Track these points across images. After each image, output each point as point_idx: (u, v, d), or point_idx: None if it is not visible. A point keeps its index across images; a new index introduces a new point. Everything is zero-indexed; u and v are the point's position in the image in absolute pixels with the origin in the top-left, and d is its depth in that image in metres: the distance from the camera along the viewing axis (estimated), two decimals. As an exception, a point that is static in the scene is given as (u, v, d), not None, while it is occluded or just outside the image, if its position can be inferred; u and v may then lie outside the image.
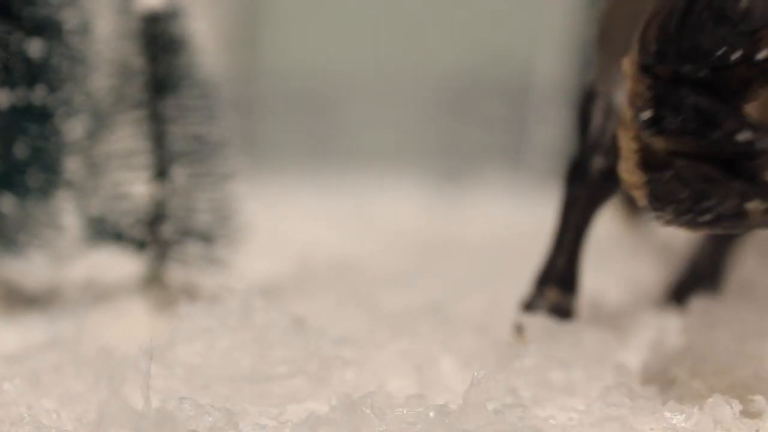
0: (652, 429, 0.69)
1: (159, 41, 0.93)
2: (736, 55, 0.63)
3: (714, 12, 0.64)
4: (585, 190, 0.88)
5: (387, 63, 2.63)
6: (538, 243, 1.04)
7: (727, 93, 0.64)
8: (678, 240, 1.40)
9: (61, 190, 0.98)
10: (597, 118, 0.86)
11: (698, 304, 0.91)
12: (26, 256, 0.99)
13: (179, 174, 0.94)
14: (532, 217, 1.70)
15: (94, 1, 0.99)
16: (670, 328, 0.89)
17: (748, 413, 0.69)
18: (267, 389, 0.75)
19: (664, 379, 0.77)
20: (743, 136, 0.63)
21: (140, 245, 0.95)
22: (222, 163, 0.96)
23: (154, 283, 0.95)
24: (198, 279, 0.96)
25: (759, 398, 0.70)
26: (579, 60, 1.74)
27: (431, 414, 0.66)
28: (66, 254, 1.00)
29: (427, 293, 1.03)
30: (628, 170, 0.70)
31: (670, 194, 0.67)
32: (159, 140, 0.94)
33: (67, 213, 0.99)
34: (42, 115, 0.97)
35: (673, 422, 0.69)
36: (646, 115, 0.66)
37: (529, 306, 0.88)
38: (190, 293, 0.94)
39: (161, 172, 0.94)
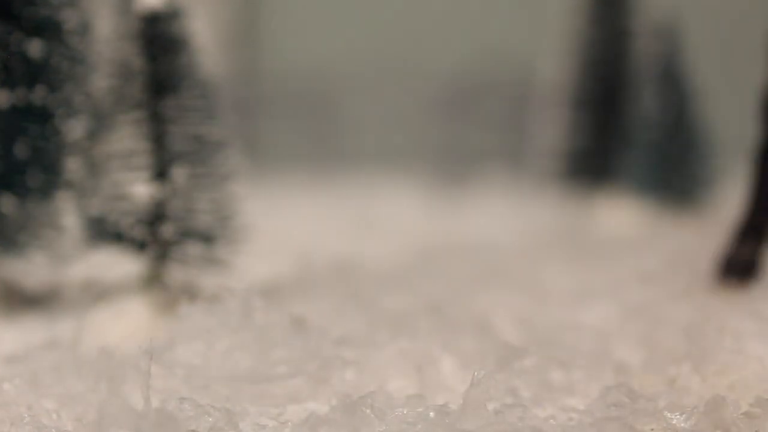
0: (652, 429, 0.68)
1: (159, 41, 0.93)
2: None
3: None
4: None
5: (387, 64, 2.63)
6: (539, 243, 1.04)
7: None
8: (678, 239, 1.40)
9: (61, 190, 0.98)
10: None
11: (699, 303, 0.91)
12: (26, 256, 0.99)
13: (179, 174, 0.94)
14: (532, 218, 1.70)
15: (94, 1, 0.99)
16: (672, 326, 0.89)
17: (748, 413, 0.69)
18: (267, 389, 0.75)
19: (664, 379, 0.77)
20: None
21: (140, 245, 0.95)
22: (222, 164, 0.96)
23: (154, 283, 0.95)
24: (198, 279, 0.96)
25: (759, 398, 0.70)
26: (579, 61, 1.74)
27: (431, 414, 0.66)
28: (66, 254, 1.00)
29: (427, 293, 1.03)
30: None
31: None
32: (159, 140, 0.94)
33: (67, 213, 0.99)
34: (42, 116, 0.97)
35: (673, 422, 0.69)
36: None
37: (731, 260, 1.02)
38: (191, 294, 0.94)
39: (161, 173, 0.94)
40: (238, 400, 0.74)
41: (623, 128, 1.69)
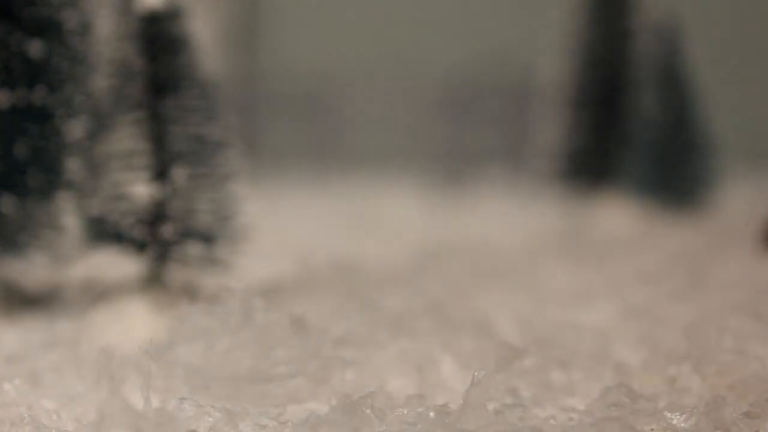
0: (652, 429, 0.68)
1: (159, 41, 0.93)
2: None
3: None
4: None
5: (387, 63, 2.63)
6: (539, 243, 1.04)
7: None
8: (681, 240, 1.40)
9: (61, 190, 0.98)
10: None
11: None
12: (26, 256, 0.99)
13: (179, 174, 0.94)
14: (532, 218, 1.70)
15: (94, 1, 0.99)
16: (672, 326, 0.89)
17: (748, 413, 0.69)
18: (267, 389, 0.75)
19: (664, 379, 0.77)
20: None
21: (140, 246, 0.95)
22: (222, 164, 0.96)
23: (154, 283, 0.95)
24: (198, 279, 0.96)
25: (759, 398, 0.70)
26: (579, 61, 1.74)
27: (431, 414, 0.66)
28: (66, 254, 1.00)
29: (427, 293, 1.03)
30: None
31: None
32: (159, 141, 0.94)
33: (68, 213, 0.99)
34: (42, 116, 0.97)
35: (673, 422, 0.69)
36: None
37: None
38: (191, 294, 0.94)
39: (161, 173, 0.94)
40: (238, 400, 0.74)
41: (623, 128, 1.69)
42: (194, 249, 0.95)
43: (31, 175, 0.97)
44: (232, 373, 0.75)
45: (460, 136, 2.64)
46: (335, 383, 0.76)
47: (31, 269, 1.01)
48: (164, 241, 0.95)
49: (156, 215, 0.94)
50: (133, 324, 0.89)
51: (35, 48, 0.96)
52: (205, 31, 0.99)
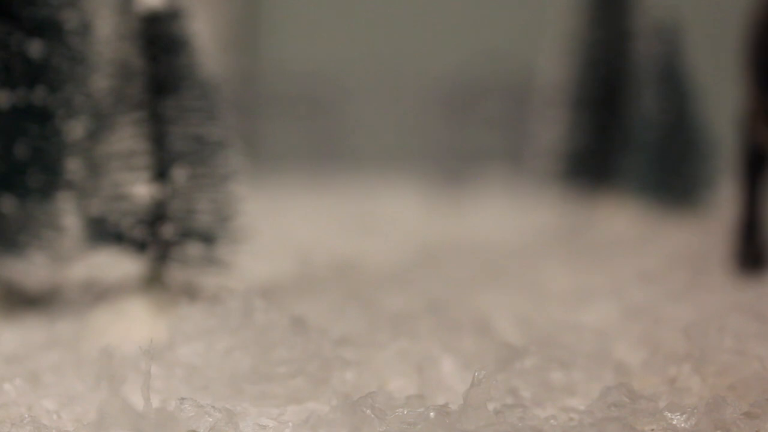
0: (652, 429, 0.69)
1: (159, 42, 0.93)
2: None
3: None
4: None
5: (387, 64, 2.63)
6: (539, 243, 1.04)
7: None
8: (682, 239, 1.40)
9: (61, 190, 0.98)
10: None
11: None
12: (26, 256, 0.99)
13: (180, 175, 0.94)
14: (532, 218, 1.70)
15: (94, 1, 0.99)
16: (672, 326, 0.89)
17: (748, 413, 0.69)
18: (267, 389, 0.75)
19: (664, 379, 0.77)
20: None
21: (141, 246, 0.95)
22: (222, 164, 0.96)
23: (154, 283, 0.95)
24: (198, 279, 0.96)
25: (759, 398, 0.70)
26: (580, 61, 1.74)
27: (431, 414, 0.66)
28: (66, 255, 1.00)
29: (427, 293, 1.03)
30: None
31: None
32: (159, 141, 0.94)
33: (68, 213, 0.99)
34: (42, 116, 0.97)
35: (673, 422, 0.69)
36: None
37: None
38: (191, 294, 0.94)
39: (162, 173, 0.94)
40: (239, 400, 0.74)
41: (623, 128, 1.69)
42: (194, 249, 0.95)
43: (31, 175, 0.97)
44: (232, 373, 0.75)
45: (460, 136, 2.64)
46: (335, 383, 0.76)
47: (31, 269, 1.01)
48: (164, 241, 0.95)
49: (156, 215, 0.94)
50: (133, 324, 0.89)
51: (35, 48, 0.96)
52: (205, 31, 0.99)
